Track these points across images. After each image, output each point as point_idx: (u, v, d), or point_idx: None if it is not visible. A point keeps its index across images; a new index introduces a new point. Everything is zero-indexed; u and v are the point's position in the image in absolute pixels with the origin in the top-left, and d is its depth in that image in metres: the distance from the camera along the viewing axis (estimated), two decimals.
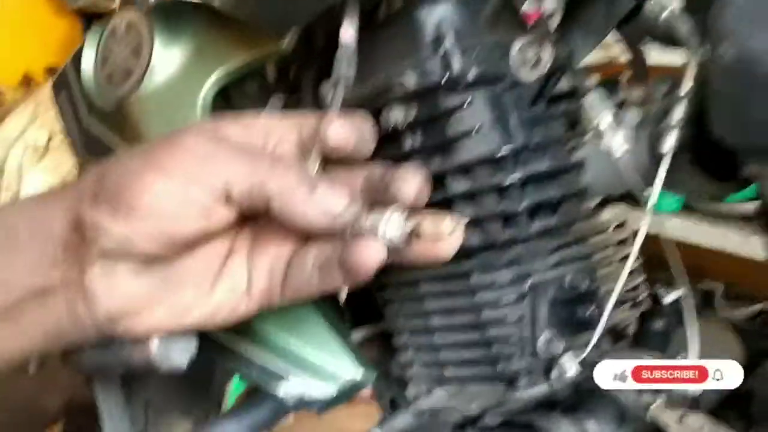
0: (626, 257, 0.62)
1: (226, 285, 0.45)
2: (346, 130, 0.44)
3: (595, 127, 0.38)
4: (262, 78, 0.67)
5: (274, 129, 0.46)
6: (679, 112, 0.37)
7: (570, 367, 0.43)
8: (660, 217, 0.66)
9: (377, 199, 0.44)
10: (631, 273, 0.61)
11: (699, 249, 1.50)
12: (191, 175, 0.39)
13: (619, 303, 0.61)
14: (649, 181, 0.47)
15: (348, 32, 0.51)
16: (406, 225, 0.40)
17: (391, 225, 0.40)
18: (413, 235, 0.40)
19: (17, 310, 0.43)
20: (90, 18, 2.84)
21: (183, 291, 0.43)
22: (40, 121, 2.42)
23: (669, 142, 0.37)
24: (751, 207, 1.59)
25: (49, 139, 2.35)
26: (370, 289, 0.68)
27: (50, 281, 0.42)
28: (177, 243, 0.41)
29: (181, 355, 0.42)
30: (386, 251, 0.41)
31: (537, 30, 0.44)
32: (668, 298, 0.65)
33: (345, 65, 0.50)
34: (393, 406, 0.74)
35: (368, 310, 0.69)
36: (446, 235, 0.40)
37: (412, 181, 0.42)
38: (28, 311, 0.43)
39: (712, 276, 1.35)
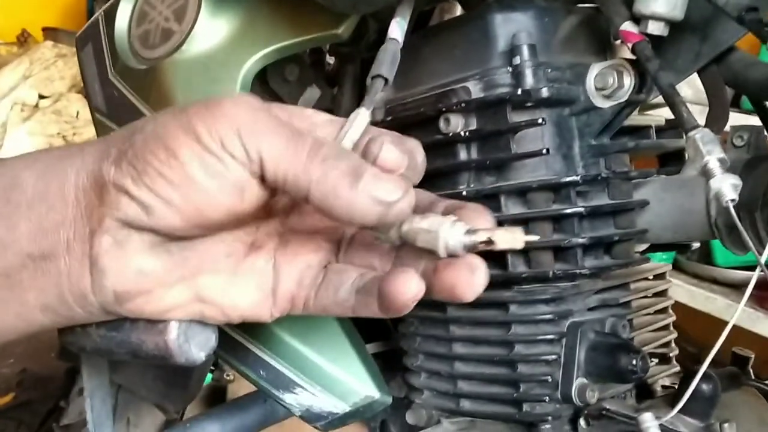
0: (663, 310, 0.59)
1: (250, 279, 0.40)
2: (397, 155, 0.39)
3: (704, 166, 0.34)
4: (304, 64, 0.63)
5: (322, 126, 0.41)
6: None
7: (649, 429, 0.39)
8: None
9: None
10: (665, 328, 0.58)
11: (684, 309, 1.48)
12: (227, 144, 0.35)
13: (651, 356, 0.58)
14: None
15: (395, 28, 0.46)
16: (477, 234, 0.35)
17: (455, 232, 0.36)
18: (485, 243, 0.35)
19: (15, 278, 0.38)
20: None
21: (201, 275, 0.39)
22: (32, 80, 2.34)
23: None
24: (740, 275, 1.58)
25: (39, 100, 2.26)
26: None
27: (54, 244, 0.37)
28: (204, 219, 0.36)
29: (199, 349, 0.38)
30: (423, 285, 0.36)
31: (637, 53, 0.40)
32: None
33: (389, 61, 0.45)
34: (383, 428, 0.70)
35: (371, 321, 0.65)
36: (522, 245, 0.35)
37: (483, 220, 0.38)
38: (27, 278, 0.38)
39: (695, 338, 1.33)
